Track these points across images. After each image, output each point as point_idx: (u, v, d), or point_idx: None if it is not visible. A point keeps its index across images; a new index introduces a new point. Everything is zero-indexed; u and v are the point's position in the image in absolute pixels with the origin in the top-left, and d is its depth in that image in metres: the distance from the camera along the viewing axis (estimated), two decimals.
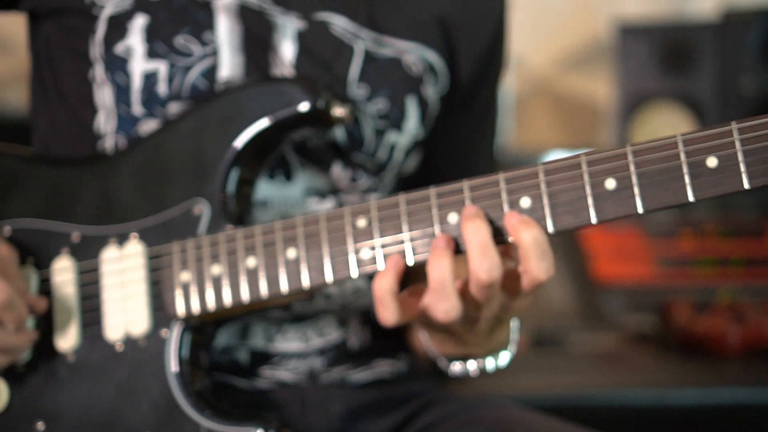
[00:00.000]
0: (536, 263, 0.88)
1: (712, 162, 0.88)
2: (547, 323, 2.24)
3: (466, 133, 1.23)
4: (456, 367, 1.06)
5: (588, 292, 2.48)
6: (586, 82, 3.70)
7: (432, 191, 0.93)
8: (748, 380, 2.11)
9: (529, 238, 0.88)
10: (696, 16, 3.44)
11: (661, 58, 3.12)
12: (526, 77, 3.53)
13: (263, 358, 1.09)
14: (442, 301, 0.89)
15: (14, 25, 3.10)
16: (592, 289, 2.48)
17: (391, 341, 1.17)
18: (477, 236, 0.89)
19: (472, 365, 1.06)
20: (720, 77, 3.09)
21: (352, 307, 1.13)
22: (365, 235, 0.94)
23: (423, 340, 1.05)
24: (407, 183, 1.16)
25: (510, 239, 0.90)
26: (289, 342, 1.10)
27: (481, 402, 1.13)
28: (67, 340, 1.02)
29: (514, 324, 1.05)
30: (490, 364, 1.05)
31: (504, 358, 1.06)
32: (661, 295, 2.51)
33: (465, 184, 0.92)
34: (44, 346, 1.03)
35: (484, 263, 0.88)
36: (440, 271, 0.89)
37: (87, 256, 1.04)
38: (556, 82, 3.63)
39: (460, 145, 1.23)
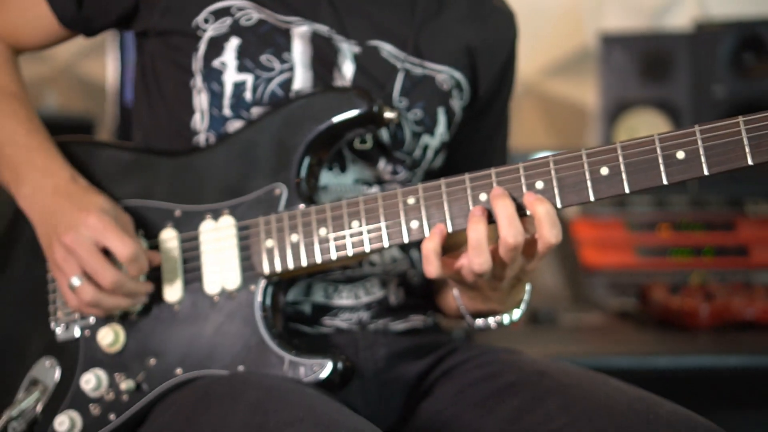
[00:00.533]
0: (548, 230, 1.13)
1: (680, 155, 1.13)
2: (542, 304, 2.40)
3: (483, 136, 1.47)
4: (480, 321, 1.29)
5: (576, 277, 2.65)
6: (573, 88, 3.79)
7: (466, 176, 1.18)
8: (715, 349, 2.24)
9: (543, 211, 1.13)
10: (672, 28, 3.55)
11: (641, 67, 3.23)
12: (517, 83, 3.69)
13: (323, 310, 1.33)
14: (478, 256, 1.13)
15: None
16: (580, 274, 2.65)
17: (421, 300, 1.42)
18: (504, 210, 1.13)
19: (492, 319, 1.29)
20: (694, 85, 3.18)
21: (392, 272, 1.37)
22: (414, 210, 1.19)
23: (456, 297, 1.28)
24: (433, 177, 1.39)
25: (528, 213, 1.16)
26: (342, 298, 1.34)
27: (496, 349, 1.37)
28: (174, 294, 1.27)
29: (527, 287, 1.29)
30: (506, 319, 1.28)
31: (517, 313, 1.29)
32: (640, 279, 2.65)
33: (492, 171, 1.17)
34: (154, 299, 1.27)
35: (511, 230, 1.13)
36: (477, 233, 1.14)
37: (188, 228, 1.28)
38: (545, 88, 3.77)
39: (478, 146, 1.48)
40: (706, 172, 1.13)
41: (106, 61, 3.38)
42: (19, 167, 1.29)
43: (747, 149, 1.11)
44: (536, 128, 3.70)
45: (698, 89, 3.17)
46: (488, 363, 1.31)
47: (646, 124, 3.19)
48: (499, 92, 1.46)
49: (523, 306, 1.30)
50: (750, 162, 1.12)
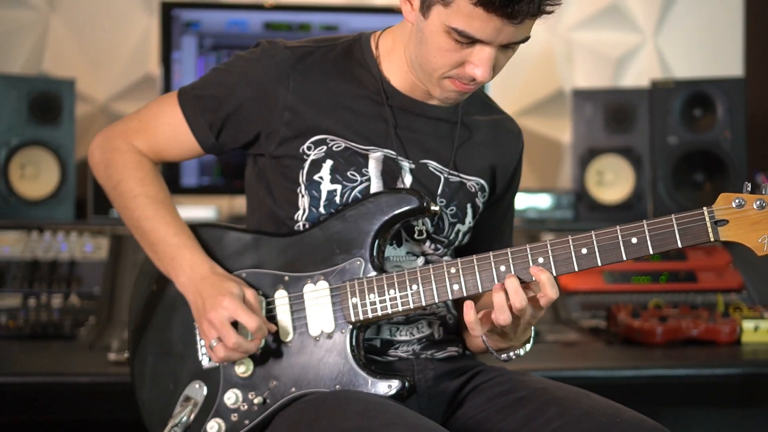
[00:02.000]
0: (550, 290, 1.65)
1: (634, 240, 1.66)
2: None
3: (498, 217, 1.98)
4: (504, 356, 1.81)
5: (557, 300, 3.10)
6: (550, 131, 4.09)
7: (491, 254, 1.70)
8: (667, 362, 2.61)
9: (545, 278, 1.65)
10: (632, 85, 3.89)
11: (607, 118, 3.63)
12: None
13: (389, 344, 1.83)
14: (501, 314, 1.65)
15: (88, 81, 3.67)
16: (559, 297, 3.11)
17: (455, 336, 1.93)
18: (512, 285, 1.66)
19: (512, 353, 1.80)
20: (652, 135, 3.53)
21: (435, 316, 1.88)
22: (455, 277, 1.71)
23: (485, 340, 1.78)
24: (461, 251, 1.90)
25: (533, 279, 1.69)
26: (402, 335, 1.84)
27: (510, 371, 1.88)
28: (287, 335, 1.77)
29: (533, 330, 1.81)
30: (521, 351, 1.80)
31: (527, 347, 1.82)
32: (608, 300, 3.07)
33: (508, 251, 1.70)
34: (273, 338, 1.77)
35: (517, 299, 1.66)
36: (499, 298, 1.65)
37: (294, 290, 1.79)
38: (523, 125, 4.19)
39: (493, 226, 1.98)
40: (650, 252, 1.66)
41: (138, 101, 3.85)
42: (173, 261, 1.80)
43: (677, 237, 1.64)
44: None
45: (655, 138, 3.51)
46: (505, 381, 1.82)
47: (612, 168, 3.64)
48: (509, 188, 1.98)
49: (531, 342, 1.82)
50: (680, 245, 1.64)
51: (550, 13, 1.64)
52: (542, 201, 3.60)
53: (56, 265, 3.01)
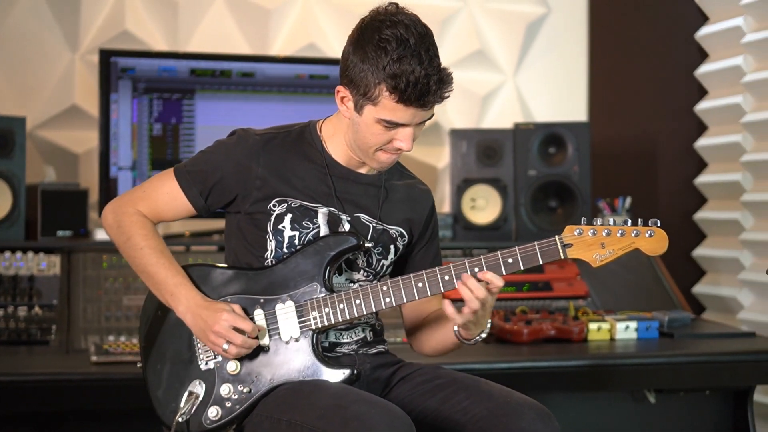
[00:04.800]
0: (496, 279, 2.23)
1: (510, 260, 2.26)
2: None
3: (421, 250, 2.55)
4: (471, 341, 2.36)
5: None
6: (427, 158, 4.55)
7: (411, 275, 2.29)
8: (533, 357, 3.11)
9: (490, 275, 2.22)
10: (499, 127, 4.33)
11: (478, 153, 4.09)
12: None
13: (335, 345, 2.40)
14: (471, 302, 2.17)
15: (17, 111, 4.04)
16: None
17: (382, 338, 2.52)
18: (471, 281, 2.23)
19: (476, 338, 2.31)
20: (516, 168, 4.05)
21: (368, 323, 2.47)
22: (387, 293, 2.32)
23: (456, 331, 2.29)
24: (383, 278, 2.48)
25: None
26: (344, 338, 2.42)
27: (427, 365, 2.45)
28: (265, 341, 2.34)
29: (489, 322, 2.36)
30: (482, 335, 2.35)
31: (485, 334, 2.37)
32: None
33: (423, 272, 2.27)
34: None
35: (479, 289, 2.23)
36: (466, 291, 2.20)
37: (269, 309, 2.35)
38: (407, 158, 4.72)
39: (426, 264, 2.53)
40: (521, 268, 2.28)
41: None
42: (173, 296, 2.34)
43: (539, 256, 2.27)
44: None
45: (518, 171, 4.05)
46: (425, 373, 2.40)
47: (483, 195, 4.15)
48: (427, 233, 2.57)
49: (486, 330, 2.38)
50: (540, 262, 2.27)
51: (447, 98, 2.29)
52: None
53: (17, 280, 3.50)
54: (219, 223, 4.08)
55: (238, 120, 3.98)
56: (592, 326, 3.40)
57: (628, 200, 4.26)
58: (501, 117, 4.69)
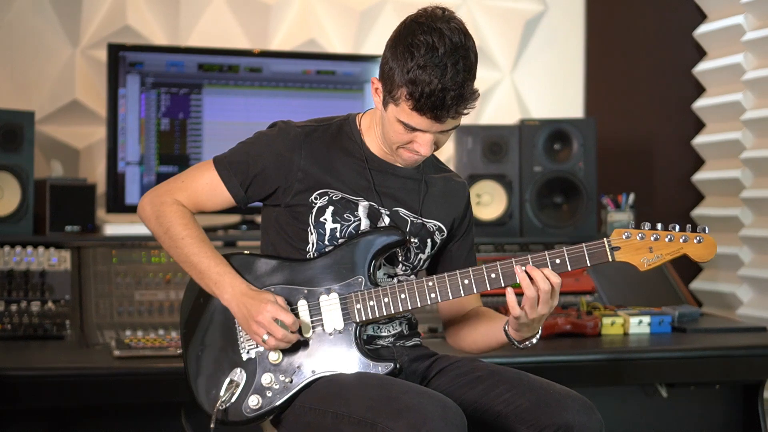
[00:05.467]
0: (554, 277, 2.24)
1: (557, 261, 2.29)
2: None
3: (465, 250, 2.56)
4: (522, 345, 2.38)
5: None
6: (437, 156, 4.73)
7: (457, 272, 2.31)
8: (548, 351, 3.13)
9: (545, 272, 2.26)
10: (505, 123, 4.34)
11: (484, 149, 4.10)
12: None
13: (375, 337, 2.43)
14: (528, 289, 2.22)
15: (18, 105, 4.01)
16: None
17: (417, 331, 2.54)
18: (533, 269, 2.24)
19: (527, 342, 2.37)
20: (521, 164, 4.07)
21: (404, 318, 2.48)
22: (432, 289, 2.34)
23: (509, 332, 2.30)
24: (420, 273, 2.50)
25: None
26: (383, 331, 2.44)
27: (464, 357, 2.46)
28: (308, 333, 2.36)
29: (540, 329, 2.38)
30: (534, 340, 2.37)
31: (535, 339, 2.39)
32: (497, 303, 3.45)
33: (469, 270, 2.30)
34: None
35: (541, 280, 2.23)
36: (524, 281, 2.23)
37: (312, 299, 2.36)
38: None
39: (463, 255, 2.56)
40: (569, 269, 2.30)
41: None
42: (217, 284, 2.35)
43: (587, 259, 2.30)
44: None
45: (524, 167, 4.08)
46: (463, 365, 2.42)
47: (488, 191, 4.15)
48: (464, 225, 2.58)
49: (538, 336, 2.39)
50: (588, 264, 2.31)
51: (467, 114, 2.30)
52: None
53: (29, 275, 3.47)
54: (224, 219, 4.07)
55: (245, 115, 4.00)
56: (606, 321, 3.43)
57: (632, 196, 4.31)
58: (499, 113, 4.73)
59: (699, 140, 4.44)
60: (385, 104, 2.32)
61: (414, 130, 2.29)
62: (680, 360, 3.27)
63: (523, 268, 2.28)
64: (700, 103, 4.44)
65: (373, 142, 2.47)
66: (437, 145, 2.35)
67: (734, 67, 4.22)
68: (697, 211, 4.50)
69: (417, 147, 2.33)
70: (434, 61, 2.18)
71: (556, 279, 2.27)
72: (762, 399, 3.58)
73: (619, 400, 3.51)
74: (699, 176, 4.47)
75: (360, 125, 2.49)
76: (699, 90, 4.47)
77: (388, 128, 2.35)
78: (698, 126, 4.45)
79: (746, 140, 4.16)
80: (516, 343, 2.40)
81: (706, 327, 3.58)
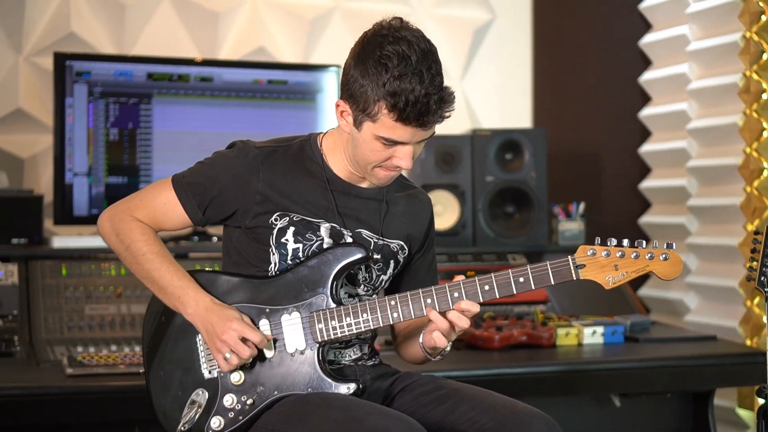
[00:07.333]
0: (472, 306, 2.26)
1: (521, 279, 2.29)
2: None
3: (426, 267, 2.56)
4: (437, 357, 2.39)
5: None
6: None
7: (419, 291, 2.30)
8: (504, 363, 3.18)
9: (467, 303, 2.26)
10: (457, 133, 4.29)
11: (436, 159, 4.10)
12: None
13: (336, 360, 2.41)
14: (460, 320, 2.23)
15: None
16: None
17: (376, 352, 2.54)
18: (456, 310, 2.26)
19: (441, 354, 2.38)
20: (473, 174, 4.09)
21: (366, 338, 2.46)
22: (395, 308, 2.31)
23: (424, 346, 2.34)
24: (390, 293, 2.46)
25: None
26: (346, 353, 2.41)
27: (426, 375, 2.46)
28: (269, 353, 2.32)
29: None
30: (446, 351, 2.37)
31: (447, 350, 2.37)
32: None
33: (432, 288, 2.28)
34: (259, 355, 2.31)
35: (462, 320, 2.26)
36: (453, 316, 2.25)
37: (275, 319, 2.33)
38: None
39: (423, 272, 2.55)
40: (533, 287, 2.30)
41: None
42: (180, 299, 2.31)
43: (551, 278, 2.28)
44: None
45: (476, 177, 4.10)
46: (426, 383, 2.40)
47: (441, 201, 4.14)
48: (426, 244, 2.57)
49: (450, 345, 2.38)
50: (552, 282, 2.29)
51: (448, 117, 2.29)
52: None
53: None
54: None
55: (196, 125, 3.95)
56: (561, 332, 3.45)
57: (582, 205, 4.34)
58: (448, 123, 4.65)
59: (645, 148, 4.52)
60: (357, 124, 2.29)
61: (394, 143, 2.26)
62: (633, 370, 3.30)
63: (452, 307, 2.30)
64: (646, 112, 4.51)
65: (337, 163, 2.44)
66: (413, 156, 2.32)
67: (679, 76, 4.28)
68: (644, 219, 4.55)
69: (397, 161, 2.30)
70: (410, 69, 2.17)
71: (474, 309, 2.29)
72: (712, 407, 3.63)
73: (573, 410, 3.52)
74: (646, 184, 4.53)
75: (321, 146, 2.46)
76: (645, 99, 4.54)
77: (363, 148, 2.31)
78: (644, 134, 4.55)
79: (691, 149, 4.22)
80: (429, 356, 2.43)
81: (658, 337, 3.64)
